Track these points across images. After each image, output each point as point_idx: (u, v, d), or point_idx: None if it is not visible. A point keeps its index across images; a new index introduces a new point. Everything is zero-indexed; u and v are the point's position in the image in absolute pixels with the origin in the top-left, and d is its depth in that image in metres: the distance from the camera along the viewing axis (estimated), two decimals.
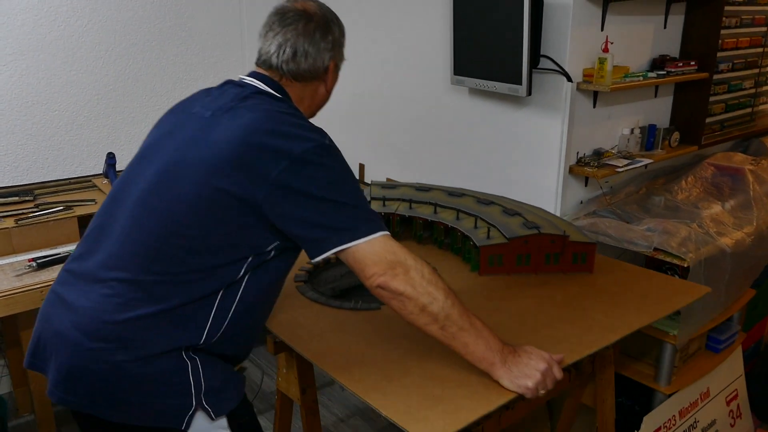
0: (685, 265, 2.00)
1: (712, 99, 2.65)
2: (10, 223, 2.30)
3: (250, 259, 1.25)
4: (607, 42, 2.22)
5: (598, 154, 2.38)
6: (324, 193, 1.19)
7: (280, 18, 1.36)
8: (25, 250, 2.31)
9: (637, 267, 1.98)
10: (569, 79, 2.21)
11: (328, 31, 1.38)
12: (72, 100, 2.82)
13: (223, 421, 1.30)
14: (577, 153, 2.35)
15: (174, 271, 1.22)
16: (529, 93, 2.20)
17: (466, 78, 2.41)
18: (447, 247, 2.04)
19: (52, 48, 2.74)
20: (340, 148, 1.28)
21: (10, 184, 2.71)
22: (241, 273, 1.25)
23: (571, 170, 2.32)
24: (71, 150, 2.86)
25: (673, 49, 2.61)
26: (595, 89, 2.23)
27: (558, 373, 1.30)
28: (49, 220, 2.38)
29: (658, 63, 2.49)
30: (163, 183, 1.25)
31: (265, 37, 1.38)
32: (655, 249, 2.06)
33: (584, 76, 2.26)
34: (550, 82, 2.26)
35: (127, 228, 1.26)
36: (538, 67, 2.25)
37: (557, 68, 2.21)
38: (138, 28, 2.96)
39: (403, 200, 2.13)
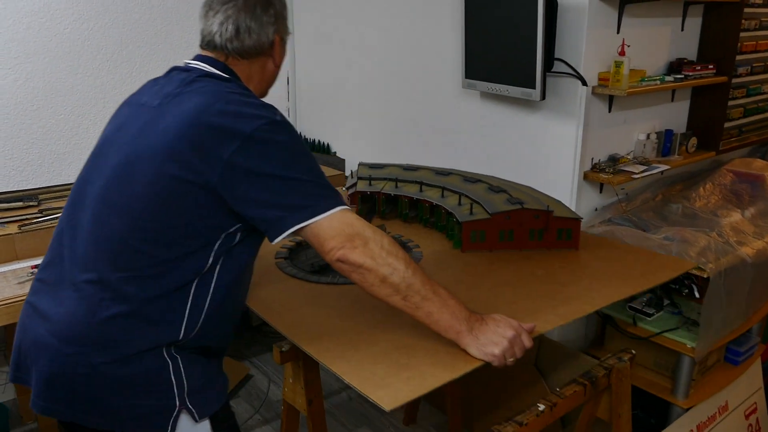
0: (705, 276, 1.94)
1: (730, 103, 2.59)
2: (13, 228, 2.27)
3: (217, 245, 1.23)
4: (623, 45, 2.16)
5: (614, 159, 2.32)
6: (278, 171, 1.17)
7: (225, 2, 1.32)
8: (28, 257, 2.27)
9: (624, 244, 1.95)
10: (584, 83, 2.15)
11: (268, 4, 1.35)
12: (77, 104, 2.79)
13: (206, 424, 1.28)
14: (592, 159, 2.29)
15: (141, 265, 1.20)
16: (543, 97, 2.14)
17: (478, 81, 2.36)
18: (432, 225, 2.02)
19: (57, 52, 2.70)
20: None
21: (14, 189, 2.67)
22: (211, 260, 1.23)
23: (586, 176, 2.26)
24: (76, 155, 2.82)
25: (691, 52, 2.54)
26: (610, 93, 2.17)
27: (527, 342, 1.29)
28: (53, 226, 2.33)
29: (676, 66, 2.43)
30: (119, 178, 1.23)
31: (206, 17, 1.34)
32: None
33: (599, 79, 2.20)
34: (564, 86, 2.20)
35: (89, 228, 1.24)
36: (552, 70, 2.19)
37: (572, 72, 2.15)
38: (144, 32, 2.93)
39: (390, 180, 2.11)
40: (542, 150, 2.32)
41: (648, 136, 2.41)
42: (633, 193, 2.42)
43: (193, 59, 1.35)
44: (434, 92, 2.69)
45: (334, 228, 1.19)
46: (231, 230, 1.23)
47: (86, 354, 1.20)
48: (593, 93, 2.19)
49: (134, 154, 1.22)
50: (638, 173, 2.24)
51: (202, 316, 1.25)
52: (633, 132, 2.42)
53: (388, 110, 2.94)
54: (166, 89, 1.29)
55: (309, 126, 3.48)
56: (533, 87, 2.13)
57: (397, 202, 2.10)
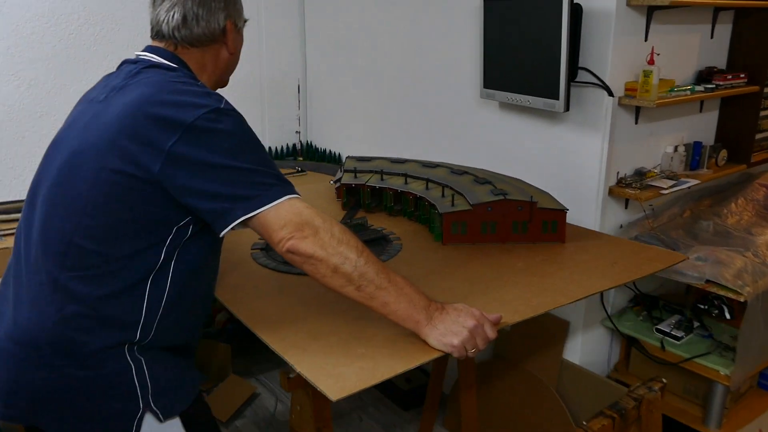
0: (742, 300, 1.82)
1: (762, 114, 2.46)
2: (10, 242, 2.17)
3: (168, 240, 1.19)
4: (653, 53, 2.05)
5: (640, 174, 2.20)
6: (222, 160, 1.13)
7: None
8: None
9: (614, 237, 1.91)
10: (610, 94, 2.03)
11: None
12: None
13: (176, 422, 1.25)
14: (617, 173, 2.17)
15: (89, 264, 1.16)
16: (567, 108, 2.03)
17: (497, 91, 2.25)
18: (416, 218, 1.98)
19: (62, 58, 2.62)
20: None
21: (15, 199, 2.59)
22: (163, 256, 1.19)
23: (611, 191, 2.14)
24: None
25: (720, 60, 2.42)
26: (638, 104, 2.05)
27: (491, 333, 1.25)
28: None
29: (705, 75, 2.31)
30: (64, 176, 1.20)
31: (153, 5, 1.31)
32: (707, 281, 1.87)
33: (626, 90, 2.08)
34: (589, 96, 2.09)
35: (39, 229, 1.21)
36: (576, 80, 2.08)
37: (597, 82, 2.04)
38: None
39: (375, 172, 2.07)
40: (565, 164, 2.21)
41: (675, 149, 2.29)
42: (659, 209, 2.29)
43: (143, 50, 1.32)
44: (451, 102, 2.59)
45: (283, 217, 1.14)
46: (181, 224, 1.19)
47: (44, 357, 1.18)
48: (619, 104, 2.07)
49: (78, 150, 1.19)
50: (667, 188, 2.12)
51: (159, 315, 1.22)
52: (660, 144, 2.30)
53: (403, 121, 2.84)
54: (113, 82, 1.25)
55: (320, 135, 3.38)
56: (556, 98, 2.02)
57: (382, 194, 2.05)
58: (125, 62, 1.32)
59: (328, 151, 3.32)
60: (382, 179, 2.06)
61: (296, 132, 3.40)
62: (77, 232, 1.16)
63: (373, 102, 2.99)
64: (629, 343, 2.29)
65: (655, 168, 2.26)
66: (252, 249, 1.80)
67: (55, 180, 1.21)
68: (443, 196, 1.88)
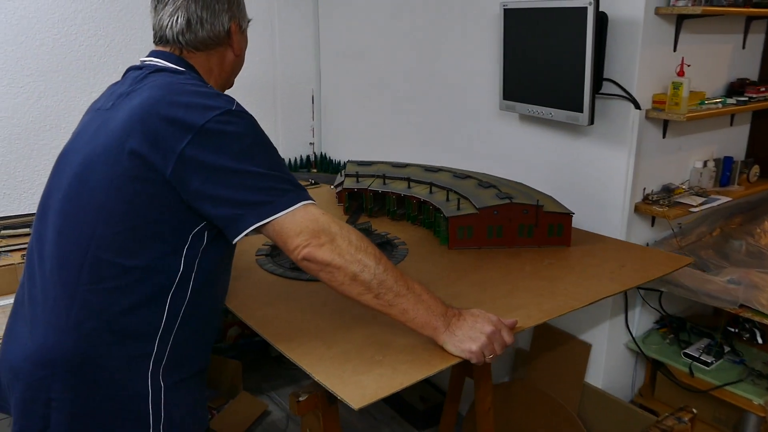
0: None
1: None
2: (17, 258, 2.13)
3: (185, 248, 1.15)
4: (683, 64, 1.95)
5: (668, 190, 2.10)
6: (234, 164, 1.09)
7: None
8: None
9: (621, 240, 1.90)
10: (637, 106, 1.94)
11: None
12: None
13: None
14: (644, 189, 2.07)
15: (106, 276, 1.13)
16: (592, 122, 1.94)
17: (517, 103, 2.16)
18: (420, 222, 1.97)
19: (72, 70, 2.58)
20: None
21: (24, 213, 2.55)
22: (182, 266, 1.15)
23: (637, 208, 2.04)
24: None
25: (752, 71, 2.32)
26: (667, 118, 1.95)
27: (508, 338, 1.24)
28: None
29: (737, 87, 2.21)
30: (75, 187, 1.17)
31: (155, 10, 1.28)
32: (741, 306, 1.77)
33: (654, 102, 1.99)
34: (614, 109, 2.00)
35: (53, 242, 1.18)
36: (601, 92, 1.98)
37: (624, 94, 1.95)
38: None
39: (377, 176, 2.06)
40: (588, 179, 2.11)
41: (705, 164, 2.19)
42: (688, 227, 2.19)
43: (147, 56, 1.28)
44: (469, 115, 2.50)
45: (298, 224, 1.11)
46: (196, 230, 1.15)
47: (59, 376, 1.14)
48: (647, 117, 1.98)
49: (88, 159, 1.16)
50: (697, 206, 2.01)
51: (176, 327, 1.18)
52: (688, 160, 2.19)
53: (420, 133, 2.76)
54: (119, 90, 1.23)
55: (334, 147, 3.31)
56: (580, 110, 1.93)
57: (384, 199, 2.03)
58: (130, 69, 1.29)
59: (342, 163, 3.25)
60: (384, 183, 2.04)
61: (310, 143, 3.34)
62: (93, 242, 1.13)
63: (388, 113, 2.91)
64: (655, 367, 2.18)
65: (683, 184, 2.16)
66: (257, 255, 1.78)
67: (67, 192, 1.18)
68: (448, 200, 1.86)
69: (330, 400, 1.69)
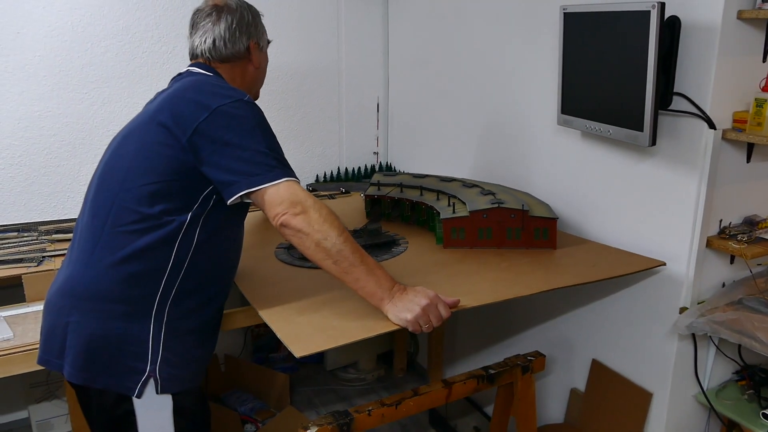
0: None
1: None
2: (58, 263, 2.17)
3: (195, 206, 1.40)
4: None
5: (751, 223, 1.81)
6: (237, 141, 1.34)
7: (197, 18, 1.60)
8: None
9: (606, 246, 1.98)
10: (711, 126, 1.67)
11: (238, 17, 1.59)
12: None
13: (168, 401, 1.43)
14: (720, 221, 1.79)
15: (128, 221, 1.37)
16: (653, 142, 1.69)
17: (575, 118, 1.94)
18: (426, 225, 2.20)
19: (135, 76, 2.63)
20: None
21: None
22: (189, 219, 1.39)
23: (710, 243, 1.77)
24: None
25: None
26: (747, 140, 1.67)
27: (444, 311, 1.41)
28: None
29: None
30: (114, 155, 1.46)
31: (190, 36, 1.61)
32: None
33: (734, 121, 1.71)
34: (685, 128, 1.74)
35: (91, 200, 1.45)
36: (670, 108, 1.73)
37: (695, 111, 1.69)
38: None
39: (396, 185, 2.33)
40: (650, 206, 1.86)
41: None
42: None
43: (188, 66, 1.61)
44: (527, 129, 2.30)
45: (281, 196, 1.34)
46: (205, 193, 1.40)
47: (78, 303, 1.39)
48: (724, 138, 1.70)
49: (128, 134, 1.46)
50: None
51: (182, 272, 1.41)
52: None
53: (481, 145, 2.58)
54: (162, 90, 1.55)
55: (400, 157, 3.19)
56: (641, 129, 1.69)
57: (400, 205, 2.29)
58: (175, 76, 1.60)
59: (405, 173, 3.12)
60: (401, 191, 2.29)
61: (374, 153, 3.23)
62: (120, 195, 1.38)
63: (452, 124, 2.75)
64: (729, 428, 1.88)
65: None
66: (276, 248, 2.04)
67: (108, 160, 1.47)
68: (449, 205, 2.06)
69: None
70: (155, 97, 1.53)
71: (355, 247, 1.37)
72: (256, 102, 1.51)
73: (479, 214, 1.91)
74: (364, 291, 1.40)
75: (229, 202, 1.36)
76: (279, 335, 1.39)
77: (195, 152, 1.35)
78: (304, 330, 1.42)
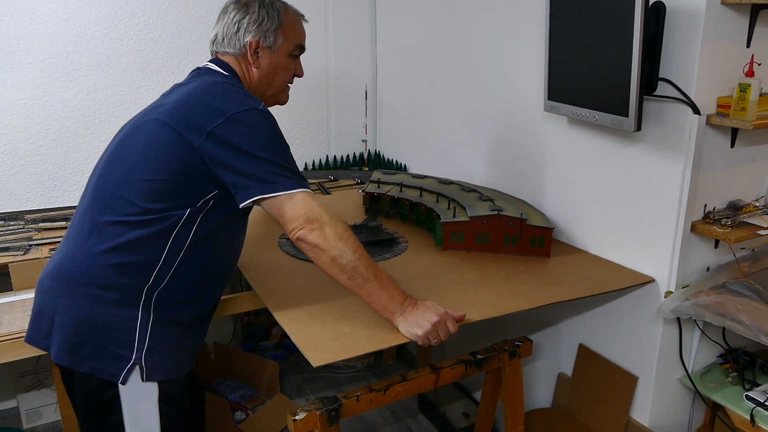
0: None
1: None
2: (45, 252, 2.16)
3: (195, 206, 1.41)
4: (752, 63, 1.67)
5: (735, 208, 1.82)
6: (253, 150, 1.36)
7: (222, 13, 1.61)
8: None
9: (597, 256, 2.03)
10: (696, 111, 1.68)
11: (250, 12, 1.57)
12: None
13: (154, 389, 1.44)
14: (705, 206, 1.81)
15: (126, 212, 1.38)
16: (639, 127, 1.70)
17: (561, 104, 1.95)
18: (425, 226, 2.25)
19: (121, 64, 2.62)
20: None
21: (71, 205, 2.61)
22: (186, 216, 1.40)
23: (694, 228, 1.78)
24: None
25: None
26: (732, 125, 1.68)
27: (452, 327, 1.46)
28: None
29: None
30: (122, 144, 1.46)
31: (214, 28, 1.63)
32: None
33: (719, 106, 1.72)
34: (669, 113, 1.75)
35: (92, 187, 1.45)
36: (655, 93, 1.74)
37: (680, 96, 1.70)
38: None
39: (396, 184, 2.38)
40: (637, 192, 1.87)
41: None
42: (762, 251, 1.89)
43: (208, 62, 1.62)
44: (514, 114, 2.30)
45: (298, 210, 1.38)
46: (208, 196, 1.41)
47: (69, 286, 1.40)
48: (708, 123, 1.71)
49: (137, 125, 1.46)
50: (766, 227, 1.73)
51: (174, 267, 1.42)
52: (764, 173, 1.89)
53: (469, 132, 2.58)
54: (180, 82, 1.56)
55: (388, 145, 3.19)
56: (626, 114, 1.70)
57: (399, 204, 2.33)
58: (195, 69, 1.62)
59: (395, 161, 3.12)
60: (401, 191, 2.33)
61: (362, 141, 3.23)
62: (123, 186, 1.39)
63: (440, 111, 2.75)
64: (714, 410, 1.91)
65: (757, 201, 1.87)
66: (279, 239, 2.11)
67: (114, 149, 1.47)
68: (449, 208, 2.12)
69: (330, 419, 1.60)
70: (172, 90, 1.53)
71: (369, 262, 1.41)
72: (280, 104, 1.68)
73: (479, 219, 1.98)
74: (377, 305, 1.44)
75: (241, 205, 1.39)
76: (296, 342, 1.43)
77: (207, 156, 1.36)
78: (319, 336, 1.47)
